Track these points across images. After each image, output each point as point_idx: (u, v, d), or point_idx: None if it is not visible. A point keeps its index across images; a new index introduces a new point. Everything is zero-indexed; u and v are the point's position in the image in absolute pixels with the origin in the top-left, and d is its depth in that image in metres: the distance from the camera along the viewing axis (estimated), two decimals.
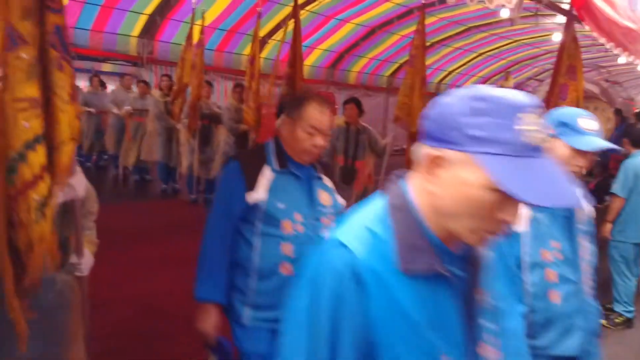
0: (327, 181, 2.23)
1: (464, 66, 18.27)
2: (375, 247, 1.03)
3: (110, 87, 10.91)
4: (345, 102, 5.49)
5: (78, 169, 1.99)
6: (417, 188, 1.07)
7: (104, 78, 10.62)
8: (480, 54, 17.53)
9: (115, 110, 8.25)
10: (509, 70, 15.06)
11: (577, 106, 4.66)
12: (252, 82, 6.48)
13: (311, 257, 1.09)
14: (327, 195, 2.16)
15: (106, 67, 11.11)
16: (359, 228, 1.06)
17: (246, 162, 2.09)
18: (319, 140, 2.04)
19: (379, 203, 1.11)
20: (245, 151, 2.64)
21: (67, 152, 1.87)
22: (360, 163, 5.38)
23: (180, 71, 7.31)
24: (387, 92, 17.13)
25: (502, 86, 9.69)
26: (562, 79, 4.62)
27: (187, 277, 4.63)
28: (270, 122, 6.46)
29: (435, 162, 1.00)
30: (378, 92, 17.14)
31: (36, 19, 1.70)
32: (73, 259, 2.11)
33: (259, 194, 2.00)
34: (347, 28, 13.59)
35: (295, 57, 6.47)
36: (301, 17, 12.12)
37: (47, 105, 1.78)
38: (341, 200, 2.25)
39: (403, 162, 5.45)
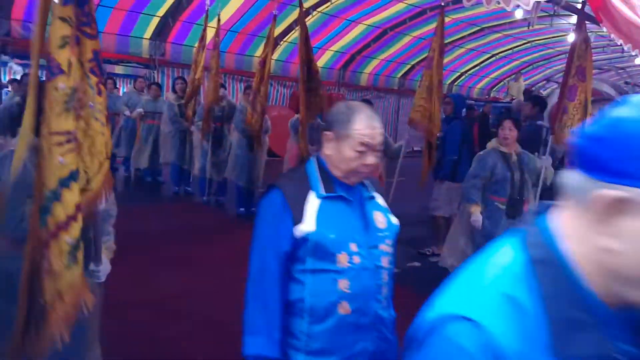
0: (379, 199, 1.97)
1: (477, 67, 18.16)
2: (518, 322, 0.74)
3: (122, 89, 10.95)
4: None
5: None
6: (576, 236, 0.78)
7: (116, 80, 10.67)
8: (494, 55, 17.40)
9: (127, 113, 8.27)
10: (520, 71, 14.94)
11: (585, 108, 4.60)
12: (260, 84, 6.42)
13: (420, 345, 0.80)
14: (381, 216, 1.89)
15: (118, 69, 11.17)
16: (491, 295, 0.77)
17: (289, 189, 1.79)
18: (371, 159, 1.77)
19: (508, 254, 0.81)
20: (285, 176, 2.25)
21: (104, 171, 1.89)
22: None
23: (193, 73, 7.30)
24: (399, 93, 17.07)
25: (511, 87, 9.64)
26: (571, 80, 4.55)
27: (200, 278, 4.66)
28: (281, 124, 6.46)
29: (617, 207, 0.71)
30: (389, 94, 17.07)
31: (74, 46, 1.70)
32: (91, 265, 2.08)
33: (307, 225, 1.72)
34: (359, 29, 13.54)
35: (303, 60, 6.49)
36: (312, 19, 12.17)
37: (87, 130, 1.80)
38: (395, 220, 1.95)
39: (417, 164, 5.41)
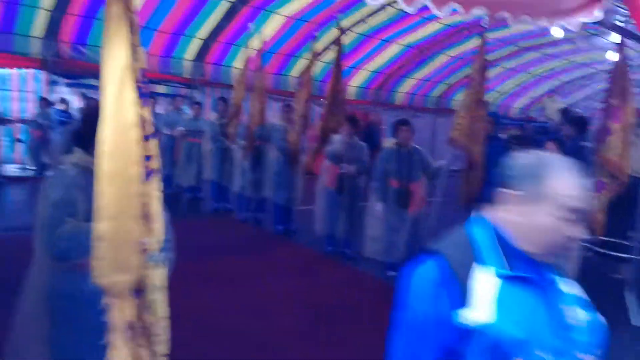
0: (575, 287, 1.45)
1: (516, 86, 17.93)
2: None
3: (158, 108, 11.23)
4: (398, 124, 5.43)
5: None
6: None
7: (158, 99, 10.97)
8: (532, 74, 17.17)
9: (166, 131, 8.47)
10: (556, 90, 14.70)
11: (626, 130, 4.47)
12: (300, 104, 6.58)
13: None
14: (581, 312, 1.39)
15: (160, 89, 11.50)
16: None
17: (456, 258, 1.34)
18: (578, 230, 1.33)
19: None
20: (444, 240, 1.40)
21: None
22: (415, 185, 5.30)
23: (237, 94, 7.46)
24: (436, 113, 16.97)
25: (547, 107, 9.47)
26: (614, 101, 4.47)
27: (236, 294, 4.71)
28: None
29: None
30: (426, 113, 17.00)
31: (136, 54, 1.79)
32: None
33: (480, 313, 1.26)
34: (394, 49, 13.60)
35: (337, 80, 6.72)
36: (347, 39, 12.29)
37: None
38: (603, 319, 1.43)
39: (458, 184, 5.36)
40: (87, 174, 2.00)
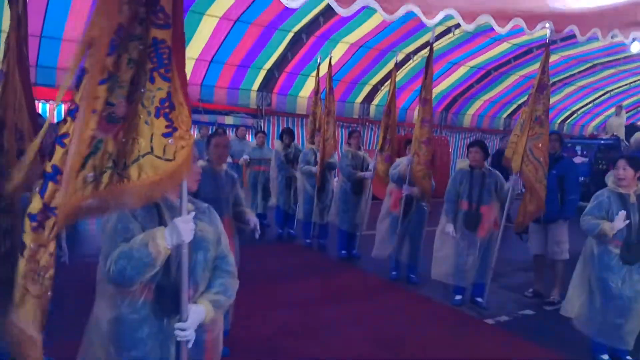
0: None
1: (590, 105, 17.12)
2: None
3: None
4: (470, 145, 5.29)
5: (189, 215, 1.96)
6: None
7: (226, 129, 11.36)
8: (608, 92, 16.35)
9: (229, 160, 8.68)
10: (621, 104, 13.79)
11: None
12: (387, 132, 6.71)
13: None
14: None
15: (228, 119, 11.90)
16: None
17: None
18: None
19: None
20: None
21: (150, 166, 1.83)
22: (486, 208, 5.10)
23: (312, 125, 7.73)
24: (505, 134, 16.46)
25: (611, 123, 8.86)
26: None
27: (303, 317, 4.68)
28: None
29: None
30: (494, 135, 16.53)
31: (143, 28, 1.79)
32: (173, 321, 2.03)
33: None
34: (461, 71, 13.41)
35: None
36: (413, 64, 12.26)
37: (133, 116, 1.81)
38: None
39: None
40: None
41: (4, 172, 2.66)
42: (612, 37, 4.29)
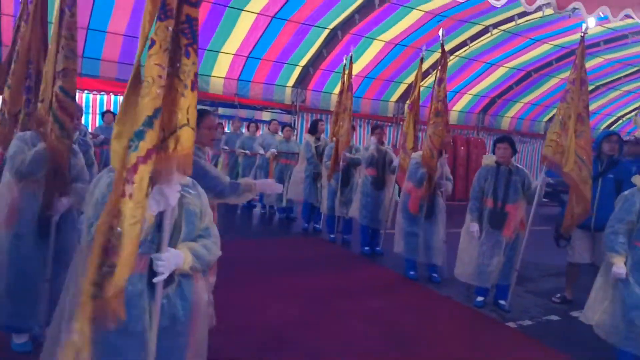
0: None
1: (635, 112, 16.46)
2: None
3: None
4: (498, 141, 5.10)
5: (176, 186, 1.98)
6: None
7: (260, 125, 11.50)
8: None
9: (261, 152, 8.78)
10: None
11: None
12: (408, 128, 6.59)
13: None
14: None
15: (264, 115, 12.03)
16: None
17: None
18: None
19: None
20: None
21: (186, 138, 1.89)
22: (512, 207, 4.95)
23: (334, 126, 7.65)
24: (544, 138, 16.06)
25: (638, 124, 8.31)
26: None
27: (318, 310, 4.69)
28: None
29: None
30: (535, 139, 16.12)
31: (176, 2, 1.84)
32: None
33: None
34: (499, 72, 13.13)
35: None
36: (450, 63, 12.07)
37: (169, 89, 1.85)
38: None
39: (553, 213, 4.95)
40: None
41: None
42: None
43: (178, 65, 1.87)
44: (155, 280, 1.97)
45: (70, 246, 3.24)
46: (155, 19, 1.82)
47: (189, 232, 2.15)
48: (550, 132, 4.82)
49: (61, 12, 3.07)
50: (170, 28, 1.82)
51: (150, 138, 1.79)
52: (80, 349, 1.81)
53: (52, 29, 3.14)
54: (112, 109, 9.59)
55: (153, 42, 1.80)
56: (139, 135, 1.77)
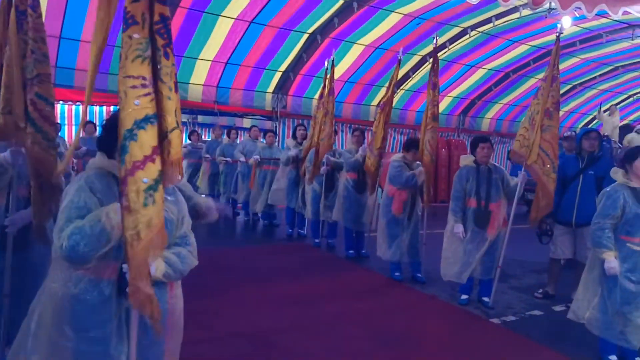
0: None
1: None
2: None
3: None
4: (480, 141, 5.11)
5: None
6: None
7: (239, 131, 11.44)
8: (630, 96, 15.99)
9: (242, 159, 8.69)
10: (614, 104, 13.39)
11: None
12: (377, 128, 6.50)
13: None
14: None
15: (245, 122, 11.96)
16: None
17: None
18: None
19: None
20: None
21: (175, 140, 1.86)
22: (494, 205, 4.96)
23: (312, 130, 7.61)
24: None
25: (605, 122, 8.56)
26: None
27: (306, 314, 4.65)
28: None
29: None
30: (514, 139, 16.28)
31: (146, 3, 1.80)
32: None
33: None
34: (479, 74, 13.27)
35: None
36: (430, 65, 12.13)
37: (155, 92, 1.82)
38: None
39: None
40: (109, 176, 2.06)
41: None
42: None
43: (159, 67, 1.83)
44: (129, 290, 1.91)
45: (43, 259, 3.11)
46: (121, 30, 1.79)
47: (168, 240, 2.09)
48: (521, 128, 4.89)
49: (20, 13, 2.86)
50: (136, 35, 1.78)
51: (139, 149, 1.76)
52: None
53: (9, 32, 2.91)
54: (89, 119, 9.44)
55: (120, 55, 1.78)
56: (123, 149, 1.76)
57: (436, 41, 6.15)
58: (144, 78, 1.78)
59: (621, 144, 9.67)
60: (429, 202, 5.98)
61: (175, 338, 2.20)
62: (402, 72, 12.46)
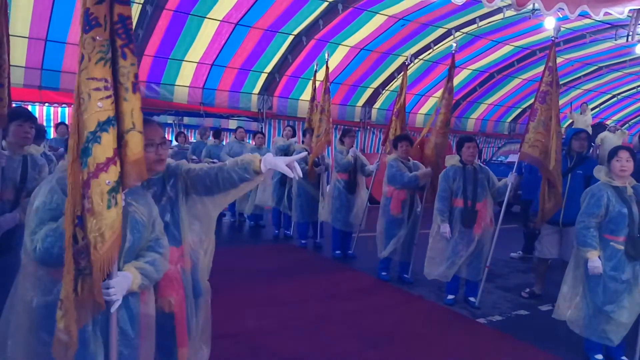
0: None
1: (597, 109, 16.96)
2: None
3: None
4: (467, 140, 5.12)
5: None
6: None
7: (227, 133, 11.38)
8: (614, 96, 16.20)
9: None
10: (585, 102, 13.58)
11: None
12: (395, 134, 6.58)
13: None
14: None
15: (231, 123, 11.91)
16: None
17: None
18: None
19: None
20: None
21: (134, 142, 1.86)
22: (481, 204, 4.98)
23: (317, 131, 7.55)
24: (510, 138, 16.38)
25: (577, 121, 8.74)
26: None
27: (293, 315, 4.64)
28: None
29: None
30: (499, 139, 16.42)
31: (107, 4, 1.79)
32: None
33: None
34: (463, 74, 13.35)
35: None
36: (414, 67, 12.21)
37: (114, 94, 1.82)
38: None
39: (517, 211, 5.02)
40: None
41: None
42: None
43: (116, 68, 1.82)
44: (112, 309, 1.90)
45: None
46: (81, 31, 1.78)
47: (135, 241, 2.06)
48: (533, 132, 4.87)
49: None
50: (99, 37, 1.77)
51: (101, 151, 1.77)
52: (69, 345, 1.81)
53: None
54: (61, 121, 9.33)
55: (82, 56, 1.77)
56: (85, 152, 1.76)
57: (455, 48, 6.27)
58: (106, 80, 1.78)
59: (594, 142, 9.77)
60: (428, 201, 5.97)
61: (148, 342, 2.18)
62: (386, 73, 12.54)
